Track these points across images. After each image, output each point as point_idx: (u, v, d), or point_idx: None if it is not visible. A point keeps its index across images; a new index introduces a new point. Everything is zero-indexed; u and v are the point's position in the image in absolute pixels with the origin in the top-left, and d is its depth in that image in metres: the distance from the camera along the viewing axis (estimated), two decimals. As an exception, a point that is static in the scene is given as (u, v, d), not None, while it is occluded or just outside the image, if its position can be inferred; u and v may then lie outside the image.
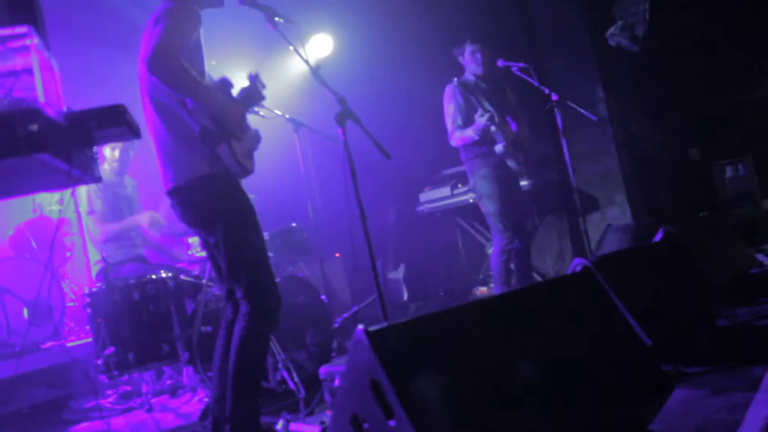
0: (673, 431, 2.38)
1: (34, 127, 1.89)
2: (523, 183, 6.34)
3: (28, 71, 1.96)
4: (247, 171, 3.05)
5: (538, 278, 6.57)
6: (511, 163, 5.03)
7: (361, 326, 1.91)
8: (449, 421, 1.85)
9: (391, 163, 3.27)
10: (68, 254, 5.49)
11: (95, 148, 2.47)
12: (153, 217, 5.00)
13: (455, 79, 5.07)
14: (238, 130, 3.01)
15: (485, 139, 4.99)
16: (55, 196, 5.61)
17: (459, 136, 5.03)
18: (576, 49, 6.92)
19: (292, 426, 3.29)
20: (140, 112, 2.93)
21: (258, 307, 2.96)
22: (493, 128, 4.88)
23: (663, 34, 7.01)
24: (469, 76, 5.20)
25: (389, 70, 6.78)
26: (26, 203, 5.38)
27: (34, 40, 2.00)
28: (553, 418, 2.00)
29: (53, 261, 5.16)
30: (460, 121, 5.04)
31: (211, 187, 2.93)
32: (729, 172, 7.09)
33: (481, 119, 4.78)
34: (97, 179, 2.50)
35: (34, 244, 5.14)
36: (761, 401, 2.45)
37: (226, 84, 3.08)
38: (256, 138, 3.24)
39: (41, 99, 1.95)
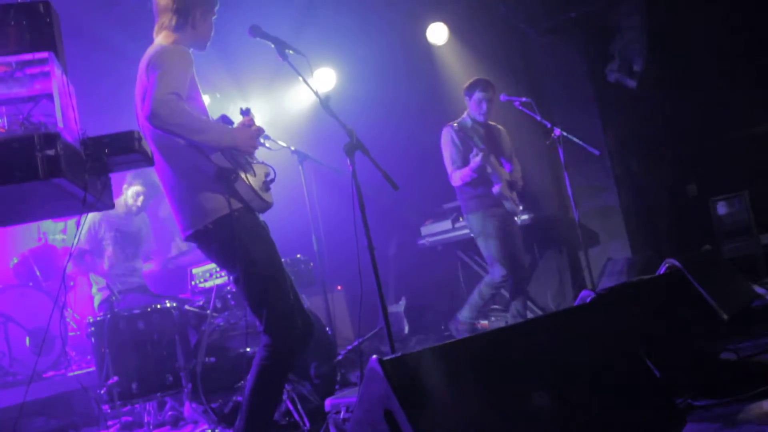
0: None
1: (53, 151, 1.92)
2: (524, 217, 6.40)
3: (48, 96, 1.99)
4: (267, 204, 3.05)
5: (537, 310, 6.57)
6: (507, 204, 5.18)
7: (375, 356, 1.91)
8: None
9: (391, 196, 3.27)
10: (71, 283, 5.48)
11: (108, 176, 2.50)
12: None
13: (453, 123, 5.19)
14: (249, 161, 3.02)
15: (482, 181, 5.14)
16: (59, 225, 5.62)
17: (459, 176, 5.17)
18: (576, 85, 7.02)
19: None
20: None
21: (277, 345, 2.96)
22: (489, 169, 5.00)
23: (660, 70, 7.12)
24: (467, 118, 5.34)
25: (392, 104, 6.84)
26: (31, 231, 5.37)
27: (55, 66, 2.03)
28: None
29: (57, 290, 5.15)
30: (460, 163, 5.20)
31: (230, 226, 2.90)
32: (725, 207, 7.11)
33: (476, 158, 4.92)
34: (109, 206, 2.52)
35: (38, 273, 5.13)
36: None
37: (225, 121, 3.09)
38: (269, 171, 3.24)
39: (60, 124, 1.97)
